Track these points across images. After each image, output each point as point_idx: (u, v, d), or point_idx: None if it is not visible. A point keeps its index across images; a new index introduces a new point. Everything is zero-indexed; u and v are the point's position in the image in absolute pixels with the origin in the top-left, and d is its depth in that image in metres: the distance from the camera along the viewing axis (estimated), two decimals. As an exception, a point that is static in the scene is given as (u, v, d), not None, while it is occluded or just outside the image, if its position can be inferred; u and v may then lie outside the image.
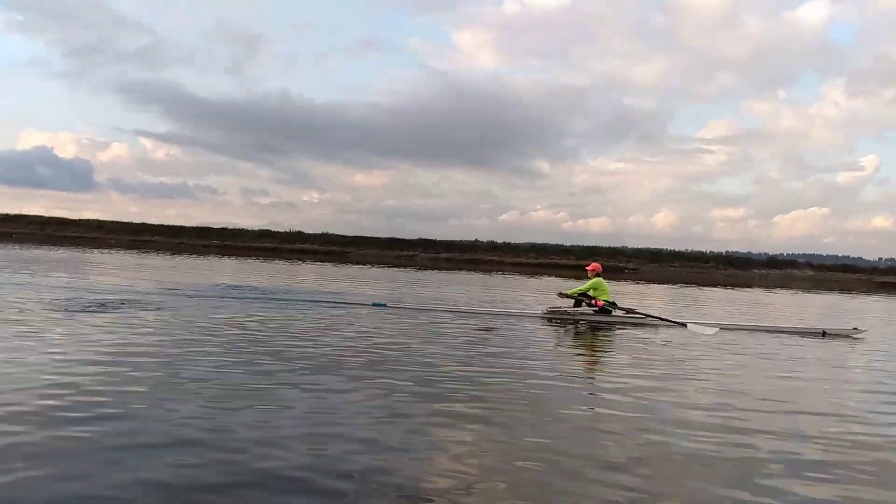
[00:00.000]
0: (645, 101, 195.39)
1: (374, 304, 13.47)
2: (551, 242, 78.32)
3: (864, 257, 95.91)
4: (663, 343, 10.36)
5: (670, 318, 13.00)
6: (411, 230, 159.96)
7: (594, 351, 10.03)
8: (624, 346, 9.98)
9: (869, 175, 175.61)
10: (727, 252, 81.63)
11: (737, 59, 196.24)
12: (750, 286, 43.14)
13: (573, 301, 13.34)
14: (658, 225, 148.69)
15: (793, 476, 4.17)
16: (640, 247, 78.32)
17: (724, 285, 41.71)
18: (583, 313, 13.01)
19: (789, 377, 7.94)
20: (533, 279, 35.60)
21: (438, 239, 78.93)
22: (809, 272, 68.75)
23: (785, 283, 52.66)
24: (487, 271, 44.73)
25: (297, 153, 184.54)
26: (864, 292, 44.23)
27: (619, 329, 11.95)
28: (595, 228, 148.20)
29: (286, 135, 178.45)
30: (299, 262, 42.07)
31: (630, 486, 3.83)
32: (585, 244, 75.78)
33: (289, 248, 72.47)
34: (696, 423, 5.33)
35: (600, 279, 13.31)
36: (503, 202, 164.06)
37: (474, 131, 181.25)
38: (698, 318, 14.19)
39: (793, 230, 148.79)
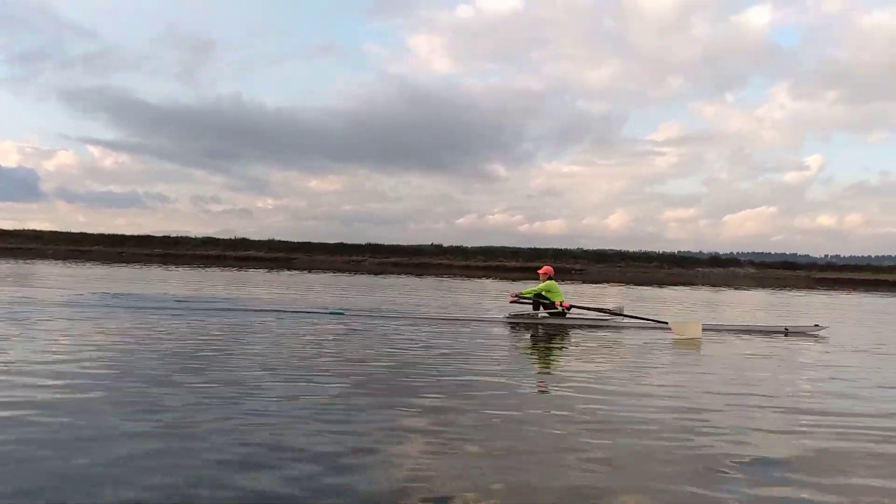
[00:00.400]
0: (598, 105, 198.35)
1: (332, 312, 13.05)
2: (508, 245, 78.75)
3: (810, 255, 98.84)
4: (630, 344, 10.44)
5: (652, 318, 13.06)
6: (369, 235, 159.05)
7: (557, 354, 9.95)
8: (592, 349, 10.05)
9: (814, 174, 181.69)
10: (678, 252, 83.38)
11: (686, 63, 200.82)
12: (694, 284, 43.88)
13: (532, 304, 13.21)
14: (612, 226, 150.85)
15: (757, 473, 4.21)
16: (594, 248, 79.33)
17: (669, 284, 42.30)
18: (544, 317, 12.99)
19: (754, 375, 8.00)
20: (486, 281, 35.51)
21: (386, 243, 78.66)
22: (751, 270, 70.41)
23: (728, 281, 53.88)
24: (437, 275, 44.57)
25: (251, 159, 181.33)
26: (803, 288, 45.40)
27: (589, 331, 12.03)
28: (551, 231, 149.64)
29: (239, 141, 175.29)
30: (244, 270, 41.12)
31: (594, 485, 3.87)
32: (542, 246, 76.47)
33: (234, 255, 70.83)
34: (665, 424, 5.37)
35: (553, 282, 13.29)
36: (461, 206, 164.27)
37: (431, 135, 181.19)
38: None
39: (742, 229, 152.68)
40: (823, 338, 12.22)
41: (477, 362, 8.21)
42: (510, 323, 12.93)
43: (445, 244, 77.29)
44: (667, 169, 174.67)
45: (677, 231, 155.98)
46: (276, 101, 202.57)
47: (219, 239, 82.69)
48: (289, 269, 47.56)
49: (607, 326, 12.66)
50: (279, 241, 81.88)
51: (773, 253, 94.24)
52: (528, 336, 11.51)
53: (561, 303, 12.95)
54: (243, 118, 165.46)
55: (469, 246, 75.88)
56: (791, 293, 36.49)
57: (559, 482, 3.91)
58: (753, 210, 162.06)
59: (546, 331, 12.12)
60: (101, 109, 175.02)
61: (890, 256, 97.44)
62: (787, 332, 12.54)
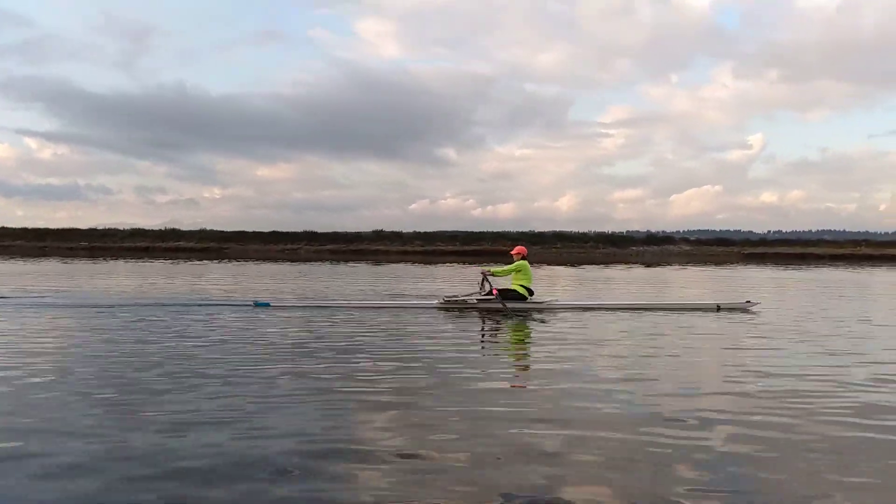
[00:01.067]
0: (548, 88, 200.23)
1: (257, 304, 12.43)
2: (461, 229, 78.21)
3: (754, 231, 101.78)
4: (570, 328, 10.10)
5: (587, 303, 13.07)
6: (322, 223, 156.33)
7: (499, 341, 9.73)
8: (528, 334, 9.90)
9: (756, 153, 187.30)
10: (627, 231, 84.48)
11: (633, 45, 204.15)
12: (628, 263, 44.38)
13: (479, 287, 12.87)
14: (563, 208, 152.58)
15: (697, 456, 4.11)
16: (545, 230, 79.63)
17: (605, 263, 42.66)
18: (481, 300, 12.62)
19: (689, 354, 7.94)
20: (430, 268, 35.08)
21: (326, 231, 77.17)
22: (686, 247, 71.78)
23: (662, 259, 54.74)
24: (375, 262, 43.96)
25: (196, 148, 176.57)
26: (736, 264, 46.47)
27: (523, 316, 11.69)
28: (503, 214, 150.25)
29: (184, 130, 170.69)
30: (173, 262, 39.61)
31: (540, 472, 3.80)
32: (494, 230, 76.20)
33: (162, 246, 68.22)
34: (606, 405, 5.36)
35: (525, 262, 12.90)
36: (414, 191, 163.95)
37: (382, 121, 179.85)
38: (594, 299, 14.09)
39: (688, 208, 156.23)
40: (755, 313, 12.18)
41: (409, 351, 7.84)
42: (443, 308, 12.49)
43: (399, 230, 76.42)
44: (615, 151, 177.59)
45: (626, 211, 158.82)
46: (221, 88, 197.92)
47: (147, 230, 79.63)
48: (220, 259, 46.20)
49: (543, 310, 12.41)
50: (211, 231, 79.41)
51: (717, 230, 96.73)
52: (463, 322, 11.11)
53: (493, 288, 12.67)
54: (187, 107, 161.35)
55: (425, 231, 75.27)
56: (722, 269, 37.19)
57: (503, 471, 3.84)
58: (699, 189, 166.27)
59: (486, 316, 11.80)
60: (37, 99, 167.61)
61: (830, 230, 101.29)
62: (718, 309, 12.48)
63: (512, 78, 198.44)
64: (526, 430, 4.61)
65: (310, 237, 73.70)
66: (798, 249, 66.53)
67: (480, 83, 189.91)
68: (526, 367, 7.43)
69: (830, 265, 44.33)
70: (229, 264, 36.97)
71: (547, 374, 6.73)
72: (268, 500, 3.40)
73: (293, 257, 53.59)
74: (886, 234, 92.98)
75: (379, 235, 73.74)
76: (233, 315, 11.12)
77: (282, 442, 4.26)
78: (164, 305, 12.38)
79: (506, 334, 10.19)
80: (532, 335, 9.92)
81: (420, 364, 7.02)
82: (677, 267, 39.36)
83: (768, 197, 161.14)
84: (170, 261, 40.51)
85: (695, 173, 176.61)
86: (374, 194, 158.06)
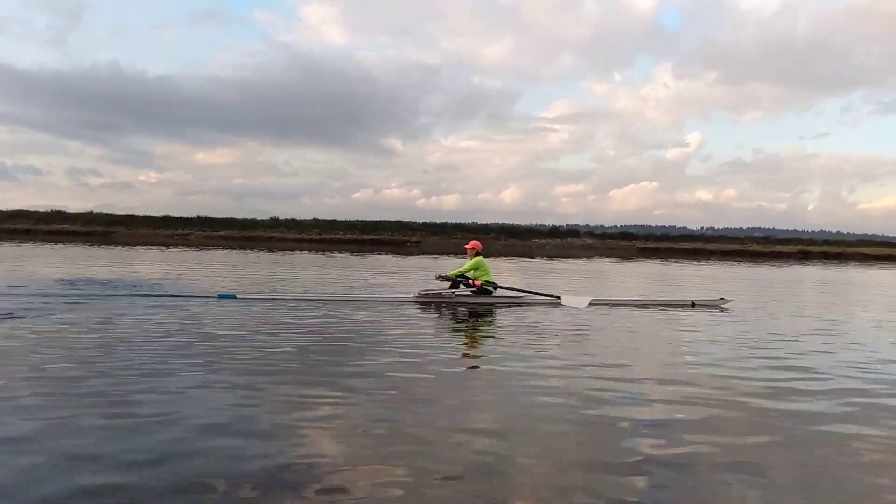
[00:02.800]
0: (493, 81, 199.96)
1: (221, 296, 11.64)
2: (405, 220, 76.34)
3: (688, 227, 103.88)
4: (545, 321, 9.88)
5: (545, 292, 12.60)
6: (262, 210, 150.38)
7: (474, 333, 9.31)
8: (506, 326, 9.58)
9: (693, 151, 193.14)
10: (567, 225, 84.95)
11: (578, 42, 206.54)
12: (531, 256, 44.40)
13: (449, 283, 12.07)
14: (507, 201, 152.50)
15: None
16: (489, 222, 79.12)
17: (504, 255, 42.54)
18: (459, 295, 11.99)
19: (666, 347, 8.06)
20: (323, 257, 33.83)
21: (216, 217, 74.61)
22: (588, 240, 72.80)
23: (565, 252, 55.24)
24: (270, 249, 42.35)
25: (131, 130, 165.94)
26: (630, 258, 47.34)
27: (499, 309, 11.33)
28: (447, 205, 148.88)
29: (118, 111, 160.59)
30: (59, 245, 36.77)
31: (499, 460, 3.81)
32: (438, 220, 75.00)
33: (45, 229, 64.95)
34: (591, 400, 5.20)
35: (481, 258, 12.31)
36: (357, 180, 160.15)
37: (326, 108, 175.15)
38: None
39: (627, 203, 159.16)
40: (729, 311, 12.03)
41: (384, 345, 7.47)
42: (420, 302, 11.77)
43: (340, 219, 74.32)
44: (559, 145, 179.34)
45: (568, 205, 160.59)
46: (157, 69, 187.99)
47: (30, 212, 75.85)
48: (108, 244, 43.38)
49: (522, 304, 11.96)
50: (98, 214, 75.84)
51: (654, 226, 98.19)
52: (438, 316, 10.54)
53: (474, 280, 12.01)
54: (122, 87, 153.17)
55: (362, 220, 73.40)
56: (610, 261, 37.70)
57: (464, 459, 3.83)
58: (637, 185, 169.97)
59: (461, 310, 11.26)
60: None
61: (760, 228, 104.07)
62: (693, 306, 12.42)
63: (458, 69, 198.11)
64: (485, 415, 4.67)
65: (203, 222, 71.27)
66: (688, 245, 68.46)
67: (426, 73, 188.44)
68: (506, 362, 6.74)
69: (719, 261, 45.76)
70: (110, 249, 34.49)
71: (521, 363, 6.59)
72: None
73: (183, 243, 51.78)
74: (813, 232, 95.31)
75: (276, 222, 72.14)
76: (198, 306, 10.29)
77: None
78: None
79: (480, 327, 9.77)
80: (507, 327, 9.52)
81: (395, 358, 6.68)
82: (577, 259, 39.66)
83: (704, 195, 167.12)
84: (55, 244, 37.93)
85: (634, 170, 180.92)
86: (316, 182, 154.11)
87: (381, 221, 73.54)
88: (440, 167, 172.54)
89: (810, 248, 66.26)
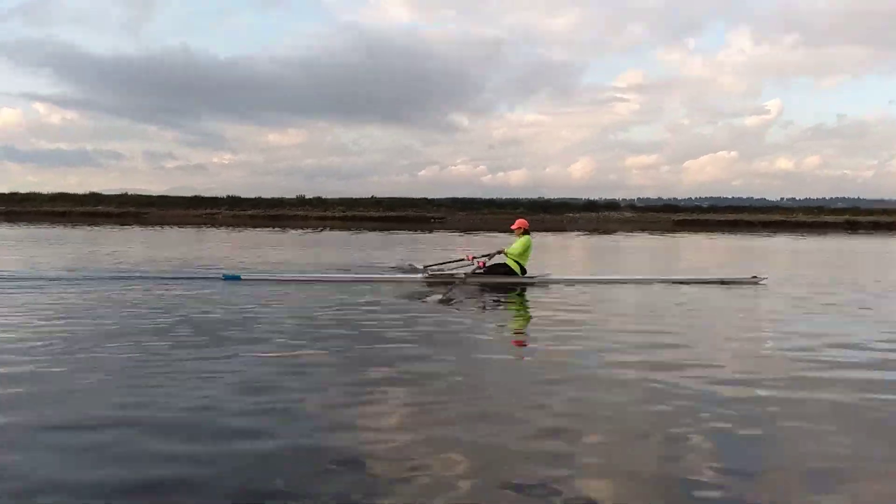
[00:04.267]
0: (559, 53, 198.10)
1: (225, 277, 11.21)
2: (470, 196, 75.72)
3: (767, 198, 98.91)
4: (571, 303, 9.05)
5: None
6: (332, 189, 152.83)
7: (498, 316, 8.73)
8: (528, 310, 9.07)
9: (773, 118, 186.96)
10: (638, 199, 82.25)
11: (647, 9, 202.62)
12: (564, 230, 43.03)
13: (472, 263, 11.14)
14: (575, 175, 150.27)
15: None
16: (555, 197, 77.65)
17: (540, 230, 41.11)
18: (470, 274, 10.99)
19: (696, 325, 7.60)
20: (367, 235, 32.97)
21: (244, 196, 74.91)
22: (628, 214, 70.37)
23: (600, 226, 53.45)
24: (294, 227, 41.84)
25: (203, 113, 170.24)
26: (667, 231, 45.60)
27: (517, 292, 10.44)
28: (514, 181, 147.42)
29: (191, 94, 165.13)
30: (93, 227, 36.68)
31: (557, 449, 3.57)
32: (505, 196, 74.50)
33: (81, 210, 66.14)
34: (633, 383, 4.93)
35: (529, 237, 11.40)
36: (423, 157, 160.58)
37: (391, 86, 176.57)
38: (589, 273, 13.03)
39: (703, 175, 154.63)
40: (763, 286, 11.25)
41: (418, 328, 7.03)
42: (430, 282, 10.82)
43: (407, 196, 73.87)
44: (629, 116, 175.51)
45: (639, 178, 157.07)
46: (227, 53, 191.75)
47: (68, 194, 77.43)
48: (140, 224, 44.03)
49: (535, 284, 11.04)
50: (132, 195, 77.04)
51: (730, 197, 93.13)
52: (450, 297, 9.56)
53: (479, 260, 11.12)
54: (194, 71, 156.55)
55: (431, 198, 73.20)
56: (635, 235, 36.14)
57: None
58: (714, 155, 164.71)
59: (477, 291, 10.44)
60: (44, 64, 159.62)
61: (844, 198, 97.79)
62: (723, 283, 11.57)
63: (523, 42, 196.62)
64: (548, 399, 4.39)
65: (232, 202, 71.59)
66: (731, 216, 65.86)
67: (490, 48, 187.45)
68: (522, 352, 6.40)
69: (754, 232, 43.76)
70: (151, 231, 34.36)
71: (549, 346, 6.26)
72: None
73: (211, 222, 52.45)
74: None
75: (302, 200, 72.09)
76: (202, 287, 10.02)
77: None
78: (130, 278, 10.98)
79: (501, 311, 9.14)
80: (529, 313, 8.87)
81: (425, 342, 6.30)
82: (604, 237, 38.18)
83: (784, 163, 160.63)
84: (89, 226, 38.10)
85: (710, 139, 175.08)
86: (383, 160, 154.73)
87: (401, 198, 72.59)
88: (506, 142, 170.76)
89: (858, 218, 63.28)
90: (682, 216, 67.35)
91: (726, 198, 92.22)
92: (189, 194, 78.13)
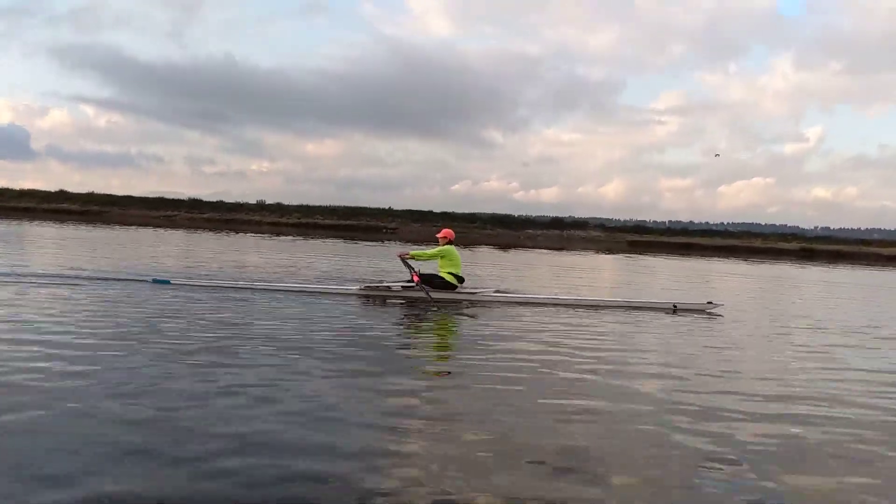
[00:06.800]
0: (598, 71, 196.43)
1: (155, 281, 11.08)
2: (501, 212, 75.29)
3: (800, 226, 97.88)
4: (514, 320, 9.11)
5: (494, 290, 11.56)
6: (366, 200, 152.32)
7: (418, 336, 8.28)
8: (453, 330, 8.70)
9: (813, 146, 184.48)
10: (670, 222, 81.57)
11: (689, 31, 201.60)
12: (518, 247, 42.96)
13: (408, 270, 11.12)
14: (608, 195, 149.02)
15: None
16: (587, 217, 76.74)
17: (487, 244, 41.08)
18: (405, 287, 11.02)
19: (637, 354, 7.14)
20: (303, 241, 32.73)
21: (206, 199, 74.59)
22: (595, 233, 70.02)
23: (555, 244, 53.36)
24: (244, 232, 41.58)
25: (244, 121, 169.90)
26: (621, 251, 45.82)
27: (449, 308, 10.28)
28: (546, 198, 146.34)
29: (232, 101, 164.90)
30: (52, 224, 36.25)
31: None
32: (537, 213, 74.01)
33: (45, 207, 65.37)
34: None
35: (451, 247, 11.33)
36: (456, 172, 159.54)
37: (427, 100, 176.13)
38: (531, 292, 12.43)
39: (737, 200, 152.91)
40: (717, 315, 10.93)
41: (324, 343, 6.76)
42: (363, 295, 10.85)
43: (437, 210, 72.98)
44: (666, 138, 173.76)
45: (672, 200, 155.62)
46: (268, 61, 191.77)
47: (36, 191, 76.71)
48: (102, 223, 44.15)
49: (474, 302, 10.97)
50: (98, 195, 76.91)
51: (763, 224, 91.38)
52: (387, 311, 9.65)
53: (414, 273, 10.97)
54: (236, 79, 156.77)
55: (459, 212, 72.90)
56: (585, 255, 36.22)
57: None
58: (748, 181, 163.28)
59: (409, 305, 10.35)
60: (91, 67, 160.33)
61: (880, 229, 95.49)
62: (675, 310, 11.20)
63: (561, 59, 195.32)
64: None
65: (192, 205, 71.58)
66: (683, 239, 65.72)
67: (528, 63, 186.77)
68: (441, 370, 6.25)
69: (710, 257, 44.13)
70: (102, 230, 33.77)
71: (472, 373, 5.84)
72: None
73: (169, 224, 52.15)
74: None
75: (260, 206, 72.12)
76: (128, 291, 9.89)
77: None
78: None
79: (427, 329, 8.69)
80: (457, 330, 8.66)
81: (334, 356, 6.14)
82: (550, 253, 38.23)
83: (821, 192, 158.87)
84: (57, 223, 37.95)
85: (747, 164, 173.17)
86: (418, 173, 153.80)
87: (359, 208, 72.39)
88: (540, 159, 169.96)
89: (814, 247, 63.65)
90: (633, 237, 67.13)
91: (759, 224, 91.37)
92: (228, 200, 77.61)
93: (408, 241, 39.04)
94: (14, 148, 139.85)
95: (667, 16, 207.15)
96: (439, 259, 11.14)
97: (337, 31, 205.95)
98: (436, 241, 11.56)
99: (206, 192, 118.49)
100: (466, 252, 26.98)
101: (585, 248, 47.05)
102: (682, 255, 45.28)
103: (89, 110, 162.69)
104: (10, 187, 77.14)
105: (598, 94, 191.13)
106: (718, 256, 45.20)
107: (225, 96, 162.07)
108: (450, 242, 11.35)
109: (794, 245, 62.96)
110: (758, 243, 63.76)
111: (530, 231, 66.76)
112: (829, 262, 44.62)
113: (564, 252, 38.40)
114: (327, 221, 63.60)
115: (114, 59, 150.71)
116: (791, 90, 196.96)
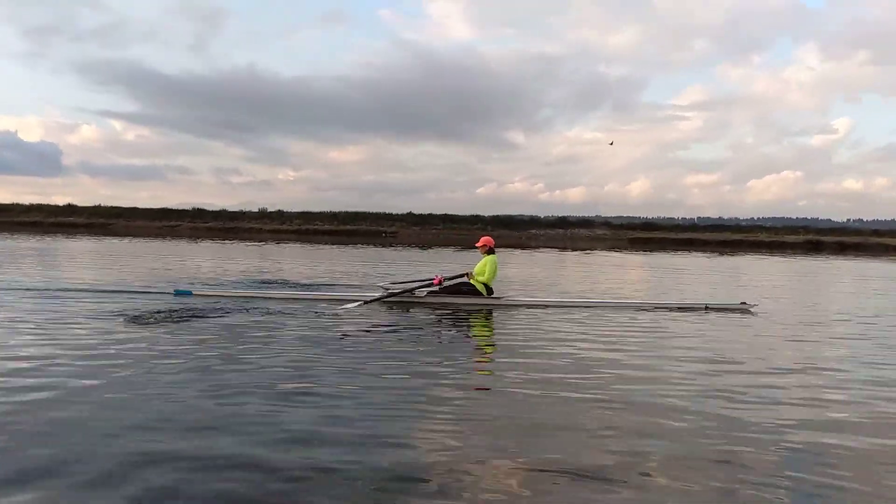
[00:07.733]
0: (619, 69, 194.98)
1: (177, 292, 11.15)
2: (527, 214, 75.10)
3: (832, 219, 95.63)
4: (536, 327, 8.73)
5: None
6: (390, 205, 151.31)
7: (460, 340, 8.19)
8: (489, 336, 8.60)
9: (841, 138, 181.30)
10: (698, 218, 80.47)
11: (710, 25, 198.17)
12: (522, 247, 42.64)
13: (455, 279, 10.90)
14: (634, 193, 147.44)
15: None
16: (613, 215, 76.37)
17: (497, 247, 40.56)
18: (432, 293, 10.81)
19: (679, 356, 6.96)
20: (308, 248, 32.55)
21: (208, 209, 74.84)
22: (600, 231, 69.40)
23: (559, 244, 52.94)
24: (248, 240, 41.77)
25: (268, 130, 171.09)
26: (622, 249, 45.34)
27: (478, 312, 10.13)
28: (572, 198, 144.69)
29: (255, 111, 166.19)
30: (62, 238, 36.84)
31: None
32: (561, 214, 74.04)
33: (53, 221, 66.21)
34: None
35: (493, 257, 11.06)
36: (480, 175, 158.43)
37: (449, 103, 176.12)
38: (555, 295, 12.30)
39: (767, 194, 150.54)
40: (754, 314, 10.62)
41: (356, 351, 6.78)
42: (386, 301, 10.50)
43: (461, 214, 72.63)
44: (691, 134, 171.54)
45: (699, 197, 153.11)
46: (290, 71, 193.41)
47: (42, 205, 78.05)
48: (107, 235, 45.16)
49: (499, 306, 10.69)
50: (103, 207, 77.91)
51: (794, 218, 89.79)
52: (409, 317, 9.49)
53: (438, 276, 10.89)
54: (259, 89, 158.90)
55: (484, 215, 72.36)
56: (584, 253, 35.83)
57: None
58: (778, 174, 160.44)
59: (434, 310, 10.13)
60: (117, 82, 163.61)
61: None
62: (707, 310, 10.99)
63: (582, 58, 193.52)
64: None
65: (194, 214, 72.08)
66: (686, 235, 64.94)
67: (549, 64, 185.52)
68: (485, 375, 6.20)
69: (713, 251, 43.60)
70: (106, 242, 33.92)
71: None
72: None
73: (172, 234, 52.43)
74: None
75: (262, 214, 72.55)
76: (150, 302, 9.93)
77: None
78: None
79: (463, 335, 8.61)
80: (489, 335, 8.67)
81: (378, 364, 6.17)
82: (551, 252, 37.85)
83: (852, 184, 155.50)
84: (57, 237, 38.36)
85: (774, 158, 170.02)
86: (440, 177, 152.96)
87: (359, 212, 72.10)
88: (564, 159, 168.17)
89: (823, 238, 62.83)
90: (635, 234, 66.49)
91: (790, 218, 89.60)
92: (254, 209, 77.19)
93: (408, 245, 38.76)
94: (46, 164, 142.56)
95: (687, 12, 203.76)
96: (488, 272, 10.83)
97: (357, 38, 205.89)
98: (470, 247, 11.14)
99: (234, 203, 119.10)
100: (471, 254, 26.79)
101: (599, 248, 46.48)
102: (720, 251, 44.88)
103: (117, 124, 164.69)
104: (44, 203, 79.04)
105: (620, 92, 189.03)
106: (748, 251, 44.71)
107: (248, 106, 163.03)
108: (490, 250, 11.06)
109: (829, 238, 61.79)
110: (764, 237, 63.10)
111: (534, 231, 66.32)
112: (871, 255, 43.42)
113: (579, 252, 38.05)
114: (327, 227, 63.79)
115: (140, 73, 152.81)
116: (817, 81, 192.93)
